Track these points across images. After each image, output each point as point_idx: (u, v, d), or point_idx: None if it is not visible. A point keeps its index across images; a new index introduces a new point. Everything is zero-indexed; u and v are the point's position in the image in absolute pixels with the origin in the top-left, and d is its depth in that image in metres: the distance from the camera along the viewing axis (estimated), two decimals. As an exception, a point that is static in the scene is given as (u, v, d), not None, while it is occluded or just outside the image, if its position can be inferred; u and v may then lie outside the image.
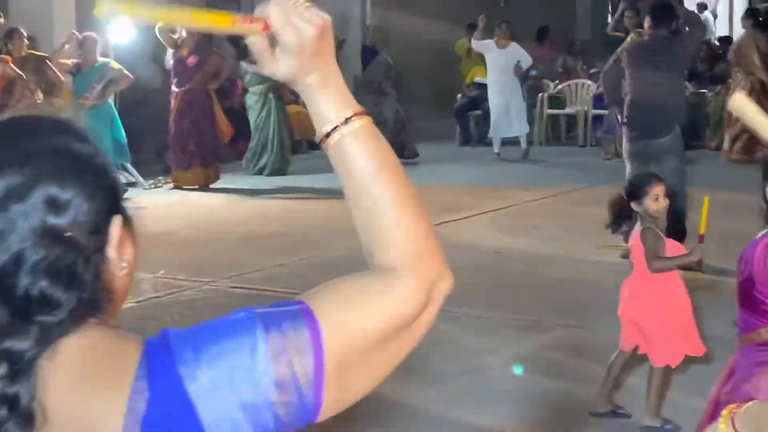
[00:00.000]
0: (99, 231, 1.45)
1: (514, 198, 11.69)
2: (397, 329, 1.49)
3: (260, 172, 13.96)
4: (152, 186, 13.07)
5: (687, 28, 9.00)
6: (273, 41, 1.55)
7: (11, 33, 12.00)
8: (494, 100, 15.18)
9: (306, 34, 1.52)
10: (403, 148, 14.44)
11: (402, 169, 1.59)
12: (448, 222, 10.24)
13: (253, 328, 1.40)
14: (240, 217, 11.27)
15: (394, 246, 1.53)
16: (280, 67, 1.56)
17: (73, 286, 1.39)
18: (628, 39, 13.51)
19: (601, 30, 22.66)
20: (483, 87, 16.17)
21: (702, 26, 11.39)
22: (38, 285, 1.38)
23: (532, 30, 18.50)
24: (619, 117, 9.03)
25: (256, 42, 1.56)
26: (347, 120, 1.56)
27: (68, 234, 1.40)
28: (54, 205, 1.40)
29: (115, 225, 1.47)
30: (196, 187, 12.86)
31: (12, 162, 1.41)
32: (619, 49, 9.14)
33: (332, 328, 1.44)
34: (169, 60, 12.97)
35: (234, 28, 1.54)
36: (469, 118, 17.01)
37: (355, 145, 1.55)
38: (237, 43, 15.42)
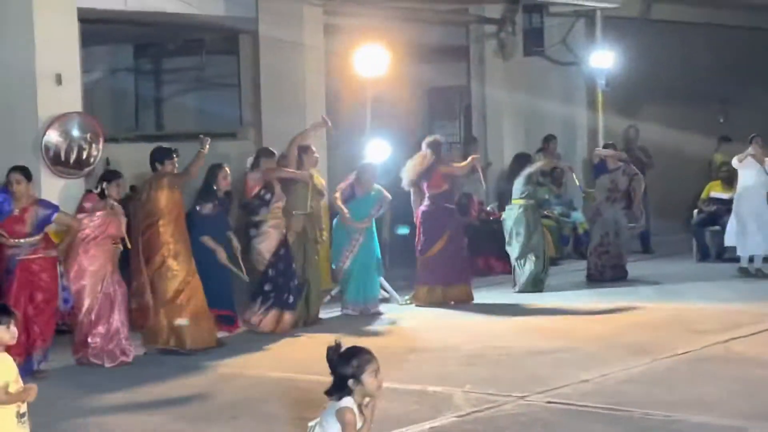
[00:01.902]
0: None
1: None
2: None
3: (531, 288, 13.74)
4: (407, 302, 13.14)
5: None
6: None
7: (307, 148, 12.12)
8: (743, 213, 14.81)
9: None
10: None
11: None
12: (738, 338, 10.04)
13: None
14: (512, 331, 11.18)
15: None
16: None
17: None
18: None
19: None
20: (720, 202, 15.98)
21: None
22: None
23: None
24: None
25: None
26: None
27: None
28: None
29: None
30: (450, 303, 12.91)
31: None
32: None
33: None
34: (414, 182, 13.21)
35: None
36: (706, 233, 16.65)
37: None
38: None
